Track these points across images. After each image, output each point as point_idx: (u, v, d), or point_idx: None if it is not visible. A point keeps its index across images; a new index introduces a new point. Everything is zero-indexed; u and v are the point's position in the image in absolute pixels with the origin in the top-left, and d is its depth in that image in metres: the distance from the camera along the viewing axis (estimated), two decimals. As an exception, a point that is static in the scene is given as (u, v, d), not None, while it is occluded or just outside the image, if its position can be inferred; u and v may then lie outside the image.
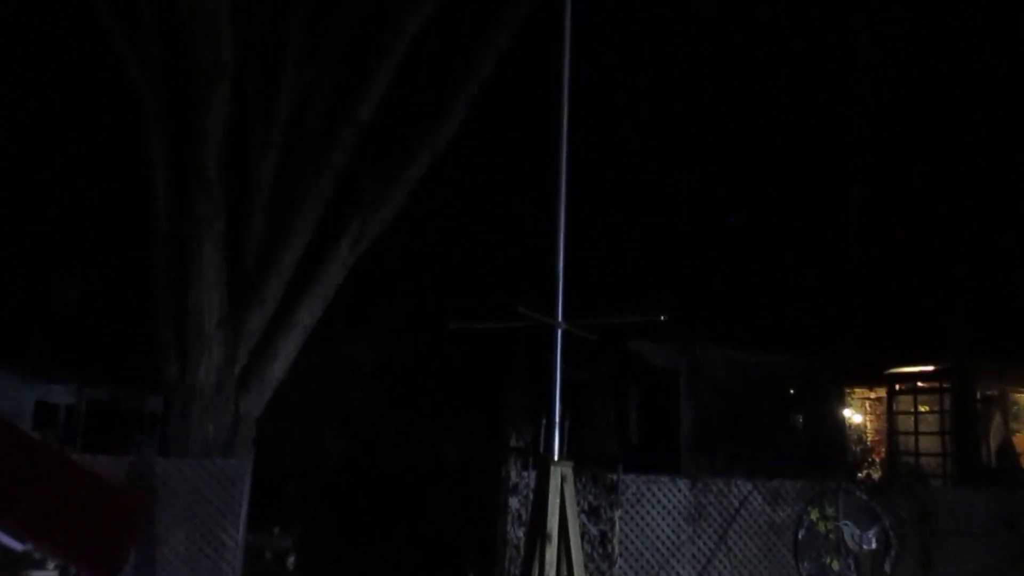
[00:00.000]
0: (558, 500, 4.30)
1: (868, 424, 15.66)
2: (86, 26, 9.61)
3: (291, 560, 11.55)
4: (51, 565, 3.59)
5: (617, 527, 7.21)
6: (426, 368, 13.85)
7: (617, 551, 7.13)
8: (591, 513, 7.79)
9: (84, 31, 9.92)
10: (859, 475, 12.43)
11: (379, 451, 14.47)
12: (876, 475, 12.80)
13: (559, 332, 4.55)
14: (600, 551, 7.60)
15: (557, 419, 4.54)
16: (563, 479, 4.34)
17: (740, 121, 13.22)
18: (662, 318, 5.20)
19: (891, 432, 14.61)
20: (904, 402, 14.59)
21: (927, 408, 14.43)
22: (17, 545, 3.63)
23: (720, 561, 8.86)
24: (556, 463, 4.36)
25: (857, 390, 15.02)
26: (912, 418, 14.35)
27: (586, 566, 7.82)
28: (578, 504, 8.01)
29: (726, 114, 13.18)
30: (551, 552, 4.22)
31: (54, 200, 13.83)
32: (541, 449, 4.59)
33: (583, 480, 7.94)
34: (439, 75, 9.89)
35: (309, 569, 11.39)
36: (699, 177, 13.52)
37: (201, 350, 8.80)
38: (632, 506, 8.48)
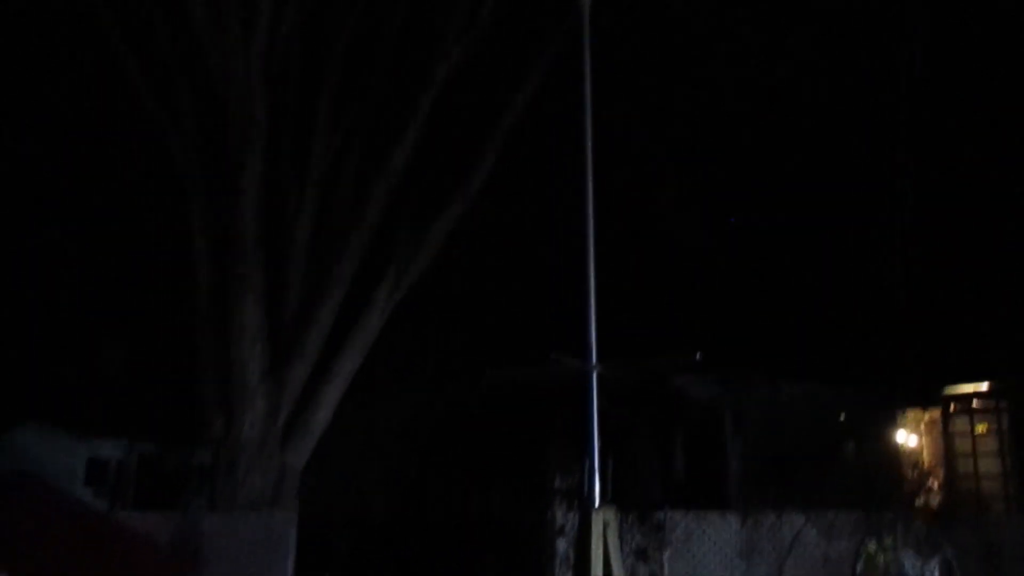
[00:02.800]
0: (601, 546, 4.24)
1: (924, 448, 15.22)
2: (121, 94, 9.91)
3: (342, 611, 11.52)
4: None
5: (666, 568, 7.07)
6: (469, 419, 13.83)
7: (668, 593, 6.99)
8: (639, 555, 7.66)
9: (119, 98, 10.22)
10: (917, 503, 12.08)
11: (424, 502, 14.42)
12: (935, 502, 12.42)
13: (594, 375, 4.52)
14: (650, 593, 7.47)
15: (597, 462, 4.50)
16: (606, 525, 4.28)
17: (777, 142, 13.13)
18: (697, 356, 5.14)
19: (948, 455, 14.19)
20: (960, 423, 14.17)
21: (984, 428, 14.00)
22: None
23: (776, 598, 8.66)
24: (598, 509, 4.30)
25: (910, 413, 14.62)
26: (969, 439, 13.93)
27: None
28: (626, 545, 7.92)
29: (762, 136, 13.09)
30: (595, 602, 4.15)
31: (100, 260, 14.18)
32: (585, 492, 4.53)
33: (629, 520, 7.83)
34: (470, 123, 10.02)
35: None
36: (735, 204, 13.42)
37: (245, 404, 8.89)
38: (682, 544, 8.34)
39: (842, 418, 13.96)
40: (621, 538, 7.91)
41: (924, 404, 14.26)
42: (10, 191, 12.90)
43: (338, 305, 9.39)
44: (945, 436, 14.28)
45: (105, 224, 13.37)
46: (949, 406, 14.19)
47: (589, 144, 4.78)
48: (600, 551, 4.24)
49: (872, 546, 9.01)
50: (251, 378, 8.86)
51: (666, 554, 7.08)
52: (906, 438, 14.68)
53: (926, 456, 15.00)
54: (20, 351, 15.10)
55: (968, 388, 13.77)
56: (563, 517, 7.66)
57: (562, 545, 7.47)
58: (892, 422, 14.43)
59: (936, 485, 13.71)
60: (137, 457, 15.59)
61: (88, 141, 12.00)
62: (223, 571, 7.60)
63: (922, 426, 14.93)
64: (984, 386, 13.50)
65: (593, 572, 4.21)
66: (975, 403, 13.95)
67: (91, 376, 16.17)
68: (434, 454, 14.37)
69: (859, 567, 8.96)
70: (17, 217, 13.43)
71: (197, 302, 9.39)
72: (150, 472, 15.31)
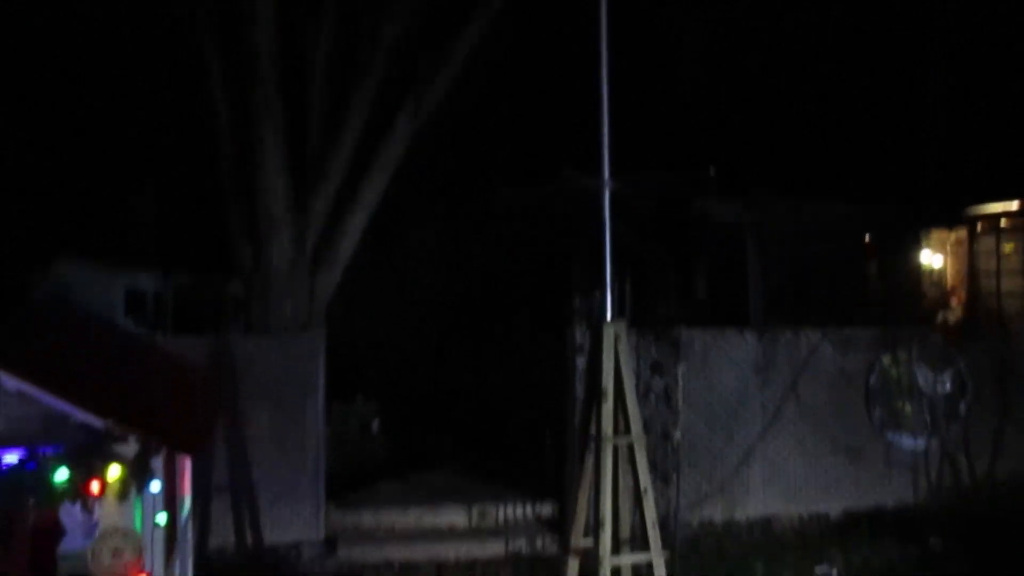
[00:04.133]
0: (612, 358, 4.40)
1: (947, 268, 15.24)
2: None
3: (375, 425, 12.18)
4: (131, 440, 3.87)
5: (680, 381, 7.33)
6: (493, 244, 13.99)
7: (681, 404, 7.27)
8: (654, 368, 7.94)
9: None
10: (936, 320, 12.24)
11: (450, 328, 14.87)
12: (953, 319, 12.57)
13: (606, 192, 4.54)
14: (665, 405, 7.77)
15: (610, 281, 4.58)
16: (616, 338, 4.42)
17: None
18: (711, 172, 5.10)
19: (971, 275, 14.22)
20: (986, 243, 14.10)
21: (1011, 248, 13.93)
22: (97, 422, 3.91)
23: (789, 410, 8.97)
24: (609, 322, 4.43)
25: (935, 233, 14.54)
26: (994, 259, 13.90)
27: (652, 419, 8.06)
28: (642, 361, 8.19)
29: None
30: (607, 407, 4.35)
31: (128, 95, 14.14)
32: (598, 310, 4.65)
33: (647, 338, 8.06)
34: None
35: (392, 434, 11.99)
36: (755, 18, 12.79)
37: (271, 233, 9.07)
38: (698, 360, 8.59)
39: (866, 239, 13.95)
40: (637, 354, 8.19)
41: (950, 224, 14.16)
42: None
43: (359, 132, 9.36)
44: (970, 256, 14.27)
45: (134, 60, 13.21)
46: (976, 226, 14.09)
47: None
48: (611, 363, 4.40)
49: (887, 360, 9.22)
50: (276, 207, 9.00)
51: (681, 368, 7.31)
52: (930, 258, 14.68)
53: (949, 276, 15.06)
54: (56, 186, 15.36)
55: (997, 207, 13.60)
56: (582, 336, 7.88)
57: (581, 362, 7.74)
58: (916, 242, 14.41)
59: (956, 303, 13.83)
60: (173, 288, 16.11)
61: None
62: (256, 393, 8.01)
63: (947, 246, 14.89)
64: (1014, 205, 13.31)
65: (604, 384, 4.39)
66: (1003, 222, 13.83)
67: (126, 210, 16.49)
68: (459, 282, 14.69)
69: (872, 380, 9.20)
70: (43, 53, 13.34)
71: (219, 134, 9.42)
72: (186, 302, 15.86)
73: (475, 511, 8.64)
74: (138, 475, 3.85)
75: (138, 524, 4.05)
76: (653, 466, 7.87)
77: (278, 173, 8.99)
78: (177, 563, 5.57)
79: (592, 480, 4.46)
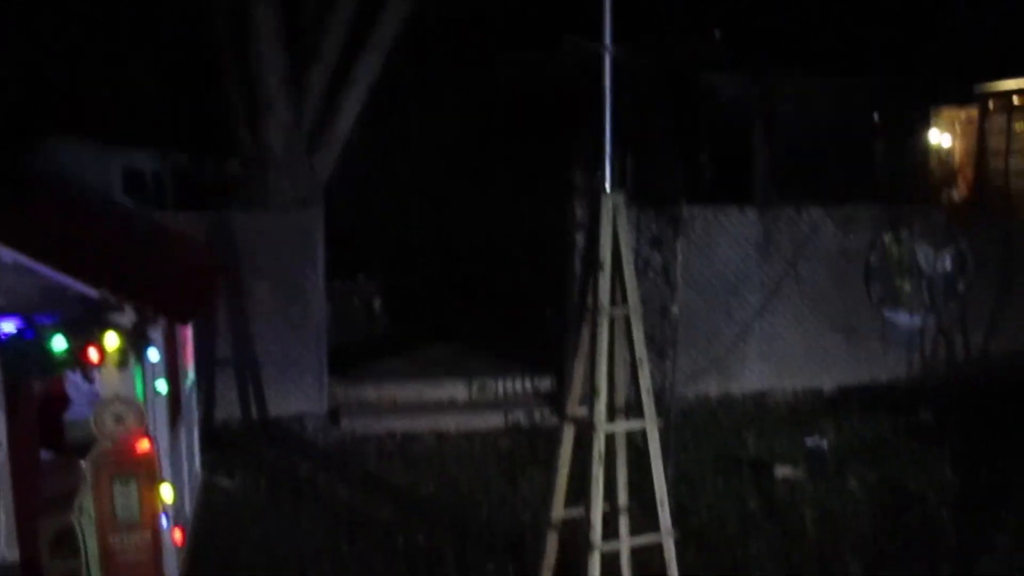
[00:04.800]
0: (610, 229, 4.35)
1: (956, 147, 14.99)
2: None
3: (377, 303, 12.29)
4: (128, 308, 3.88)
5: (679, 256, 7.31)
6: (494, 118, 13.72)
7: (679, 280, 7.27)
8: (654, 243, 7.91)
9: None
10: (941, 198, 12.13)
11: (454, 208, 14.77)
12: (959, 197, 12.46)
13: (607, 59, 4.38)
14: (664, 280, 7.78)
15: (609, 152, 4.48)
16: (615, 209, 4.36)
17: None
18: (717, 35, 4.92)
19: (980, 154, 14.00)
20: (997, 122, 13.82)
21: (1023, 126, 13.65)
22: (92, 292, 3.91)
23: (789, 287, 9.00)
24: (608, 194, 4.36)
25: (945, 111, 14.24)
26: (1004, 138, 13.65)
27: (650, 295, 8.08)
28: (642, 236, 8.15)
29: None
30: (604, 279, 4.34)
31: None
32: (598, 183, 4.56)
33: (648, 214, 7.99)
34: None
35: (394, 311, 12.10)
36: None
37: (268, 110, 8.92)
38: (699, 236, 8.56)
39: (875, 117, 13.67)
40: (638, 230, 8.15)
41: (961, 101, 13.85)
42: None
43: (353, 8, 9.08)
44: (980, 134, 14.01)
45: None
46: (988, 103, 13.77)
47: None
48: (609, 235, 4.36)
49: (888, 238, 9.18)
50: (271, 79, 8.81)
51: (680, 244, 7.28)
52: (938, 138, 14.43)
53: (957, 156, 14.84)
54: (51, 63, 14.99)
55: (1010, 84, 13.26)
56: (582, 212, 7.83)
57: (581, 238, 7.71)
58: (925, 121, 14.13)
59: (963, 183, 13.69)
60: (171, 168, 15.94)
61: None
62: (256, 267, 8.03)
63: (956, 125, 14.60)
64: (1027, 81, 12.98)
65: (601, 255, 4.35)
66: (1016, 100, 13.51)
67: (122, 88, 16.12)
68: (461, 158, 14.51)
69: (873, 258, 9.19)
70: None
71: (215, 9, 9.19)
72: (185, 182, 15.72)
73: (475, 385, 8.80)
74: (136, 344, 3.88)
75: (140, 392, 4.11)
76: (650, 341, 7.95)
77: (273, 49, 8.77)
78: (183, 432, 5.72)
79: (588, 351, 4.49)
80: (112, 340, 3.84)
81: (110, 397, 3.99)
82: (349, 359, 9.21)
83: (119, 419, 3.97)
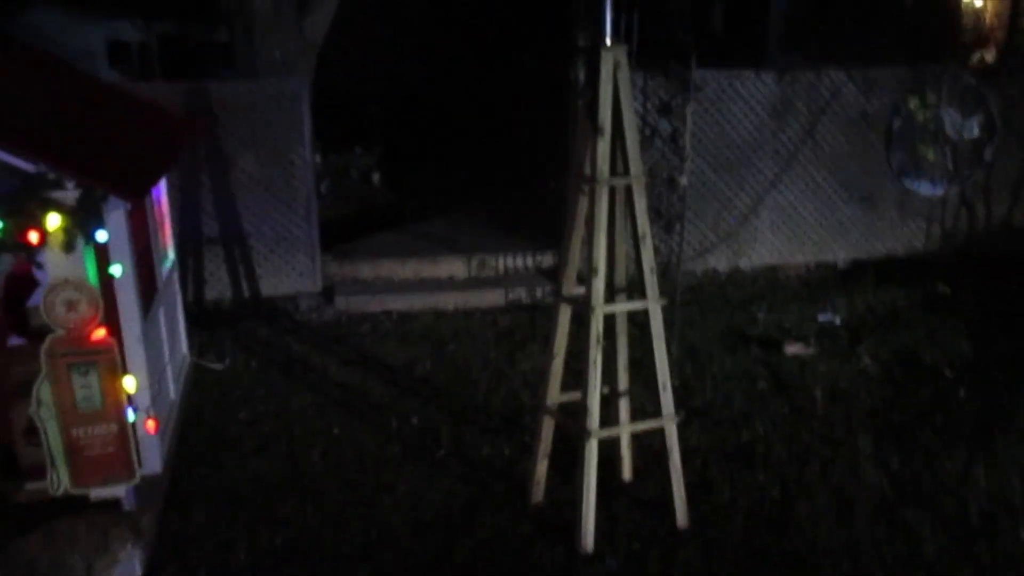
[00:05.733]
0: (610, 89, 3.89)
1: (988, 6, 14.06)
2: None
3: (376, 177, 11.85)
4: (70, 185, 3.49)
5: (689, 122, 6.79)
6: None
7: (689, 148, 6.78)
8: (662, 110, 7.37)
9: None
10: (970, 59, 11.38)
11: (455, 72, 14.09)
12: (990, 58, 11.70)
13: None
14: (672, 149, 7.30)
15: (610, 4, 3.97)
16: (616, 65, 3.89)
17: None
18: None
19: (1014, 15, 13.11)
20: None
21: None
22: (28, 166, 3.50)
23: (805, 156, 8.50)
24: (608, 47, 3.88)
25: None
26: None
27: (657, 165, 7.63)
28: (649, 102, 7.62)
29: None
30: (603, 145, 3.92)
31: None
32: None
33: (655, 77, 7.42)
34: None
35: (392, 185, 11.69)
36: None
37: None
38: (711, 103, 8.01)
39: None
40: (645, 95, 7.61)
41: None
42: None
43: None
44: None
45: None
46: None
47: None
48: (609, 95, 3.90)
49: (913, 102, 8.59)
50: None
51: (689, 109, 6.75)
52: (971, -7, 13.49)
53: (989, 15, 13.93)
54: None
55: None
56: (585, 76, 7.28)
57: (582, 105, 7.20)
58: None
59: (994, 40, 12.86)
60: (158, 37, 15.24)
61: None
62: (240, 138, 7.58)
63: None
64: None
65: (600, 118, 3.92)
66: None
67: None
68: (460, 20, 13.74)
69: (896, 124, 8.63)
70: None
71: None
72: (173, 52, 15.04)
73: (474, 262, 8.47)
74: (83, 223, 3.51)
75: (93, 276, 3.77)
76: (657, 214, 7.60)
77: None
78: (161, 316, 5.44)
79: (586, 224, 4.11)
80: (54, 220, 3.47)
81: (59, 281, 3.66)
82: (346, 235, 8.88)
83: (71, 305, 3.65)
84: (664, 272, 6.89)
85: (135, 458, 4.04)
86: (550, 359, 4.43)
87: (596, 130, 3.94)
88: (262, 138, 7.60)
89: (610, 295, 4.30)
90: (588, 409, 4.10)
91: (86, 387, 3.75)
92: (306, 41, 9.14)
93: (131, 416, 3.98)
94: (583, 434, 4.12)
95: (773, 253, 8.69)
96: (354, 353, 6.91)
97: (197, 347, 6.78)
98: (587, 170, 4.01)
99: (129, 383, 3.94)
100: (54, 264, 3.65)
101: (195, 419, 5.71)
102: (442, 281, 8.39)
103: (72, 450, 3.87)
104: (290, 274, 8.05)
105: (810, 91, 8.40)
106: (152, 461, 4.66)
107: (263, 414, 5.80)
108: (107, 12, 14.64)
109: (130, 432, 3.96)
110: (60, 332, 3.74)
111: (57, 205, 3.48)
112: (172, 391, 5.68)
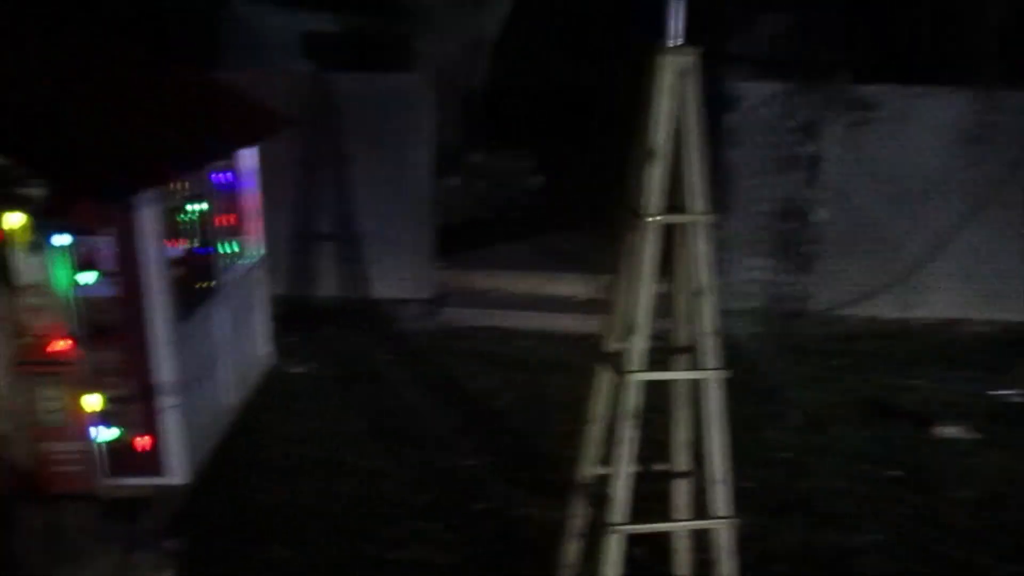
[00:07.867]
0: (667, 103, 3.07)
1: None
2: None
3: (536, 180, 11.25)
4: (37, 183, 3.14)
5: (835, 147, 5.68)
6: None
7: (833, 176, 5.67)
8: (808, 131, 6.23)
9: None
10: None
11: (609, 77, 13.27)
12: None
13: None
14: (812, 175, 6.15)
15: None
16: (684, 73, 3.06)
17: None
18: None
19: None
20: None
21: None
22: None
23: (1005, 194, 7.04)
24: (667, 49, 3.06)
25: None
26: None
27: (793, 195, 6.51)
28: (790, 120, 6.51)
29: None
30: (655, 173, 3.09)
31: None
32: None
33: (795, 90, 6.29)
34: None
35: (548, 190, 10.97)
36: None
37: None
38: (886, 125, 6.76)
39: None
40: (781, 111, 6.52)
41: None
42: None
43: None
44: None
45: None
46: None
47: None
48: (665, 111, 3.08)
49: None
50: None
51: (838, 131, 5.61)
52: None
53: None
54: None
55: None
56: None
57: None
58: None
59: None
60: (344, 29, 15.52)
61: None
62: (357, 130, 7.28)
63: None
64: None
65: (653, 139, 3.11)
66: None
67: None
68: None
69: None
70: None
71: None
72: (358, 44, 15.24)
73: (600, 282, 7.72)
74: (44, 225, 3.17)
75: (64, 282, 3.44)
76: (787, 250, 6.53)
77: None
78: (226, 317, 5.16)
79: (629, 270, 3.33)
80: (15, 218, 3.16)
81: (24, 286, 3.36)
82: (471, 241, 8.42)
83: (35, 311, 3.35)
84: (795, 315, 5.87)
85: (101, 477, 3.70)
86: (587, 425, 3.67)
87: (647, 154, 3.13)
88: (380, 134, 7.26)
89: (669, 356, 3.50)
90: (612, 497, 3.31)
91: (51, 400, 3.45)
92: (481, 37, 8.97)
93: (105, 434, 3.64)
94: (602, 528, 3.34)
95: (952, 306, 7.30)
96: (437, 372, 6.40)
97: (286, 348, 6.53)
98: (643, 203, 3.22)
99: (93, 401, 3.60)
100: (21, 266, 3.35)
101: (251, 427, 5.42)
102: (560, 300, 7.72)
103: (40, 465, 3.58)
104: (403, 278, 7.68)
105: (1018, 115, 6.95)
106: (177, 470, 4.37)
107: (314, 433, 5.40)
108: (303, 4, 15.09)
109: (96, 451, 3.62)
110: (26, 339, 3.45)
111: (23, 202, 3.16)
112: (231, 395, 5.42)
